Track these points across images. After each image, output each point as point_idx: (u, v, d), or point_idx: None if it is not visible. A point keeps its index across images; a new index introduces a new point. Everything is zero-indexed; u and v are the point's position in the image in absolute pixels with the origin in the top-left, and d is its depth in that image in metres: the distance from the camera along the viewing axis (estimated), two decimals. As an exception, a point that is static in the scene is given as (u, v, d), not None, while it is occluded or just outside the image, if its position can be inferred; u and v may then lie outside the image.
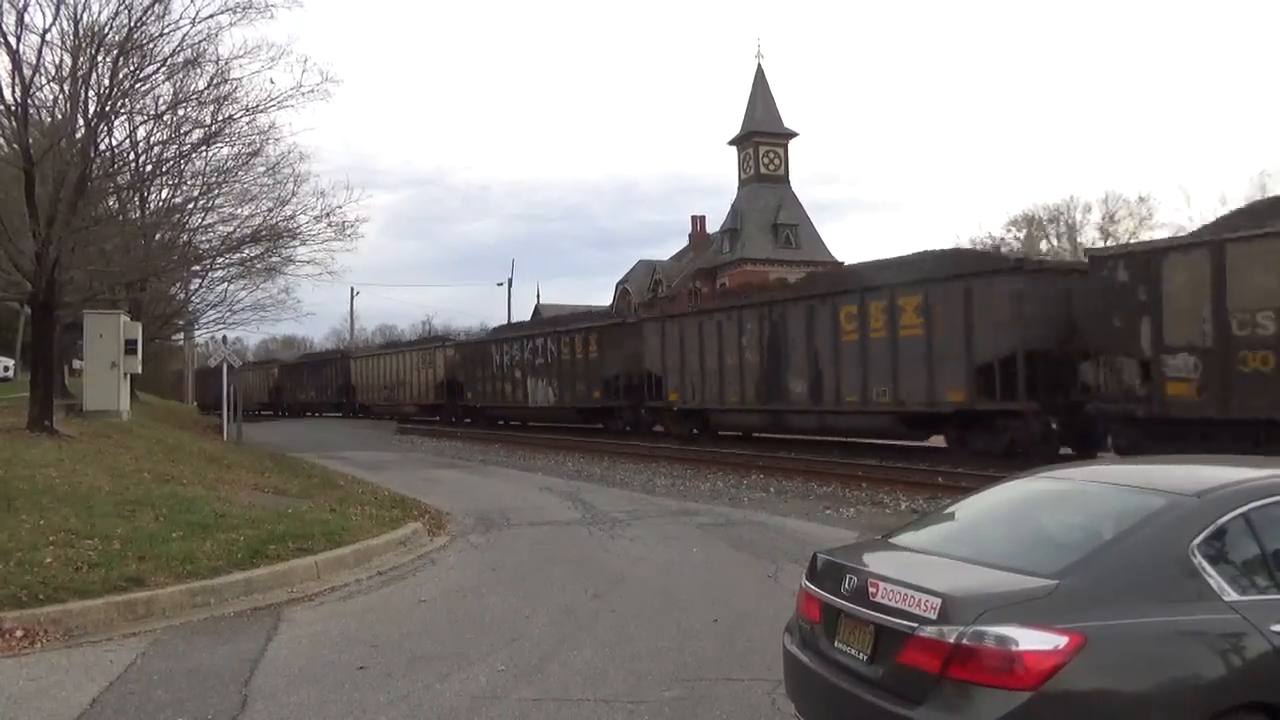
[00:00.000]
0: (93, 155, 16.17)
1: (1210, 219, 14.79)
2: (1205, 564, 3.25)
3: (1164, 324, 12.73)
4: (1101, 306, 13.58)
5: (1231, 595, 3.21)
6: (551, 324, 32.23)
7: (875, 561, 3.88)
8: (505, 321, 50.40)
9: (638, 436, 24.38)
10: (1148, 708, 3.02)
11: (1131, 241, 14.26)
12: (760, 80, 64.71)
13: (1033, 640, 3.00)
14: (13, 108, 14.93)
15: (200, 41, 16.27)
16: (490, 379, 32.34)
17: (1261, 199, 16.25)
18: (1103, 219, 55.55)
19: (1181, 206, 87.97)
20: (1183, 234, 12.89)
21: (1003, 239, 58.45)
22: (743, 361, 20.60)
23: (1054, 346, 14.70)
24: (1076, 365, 14.35)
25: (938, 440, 17.89)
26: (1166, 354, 12.77)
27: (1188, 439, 12.35)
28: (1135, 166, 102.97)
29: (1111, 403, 13.43)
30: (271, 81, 25.04)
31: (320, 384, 49.76)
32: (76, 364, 32.71)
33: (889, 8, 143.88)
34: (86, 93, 15.55)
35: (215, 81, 17.37)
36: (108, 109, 15.94)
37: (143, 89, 16.92)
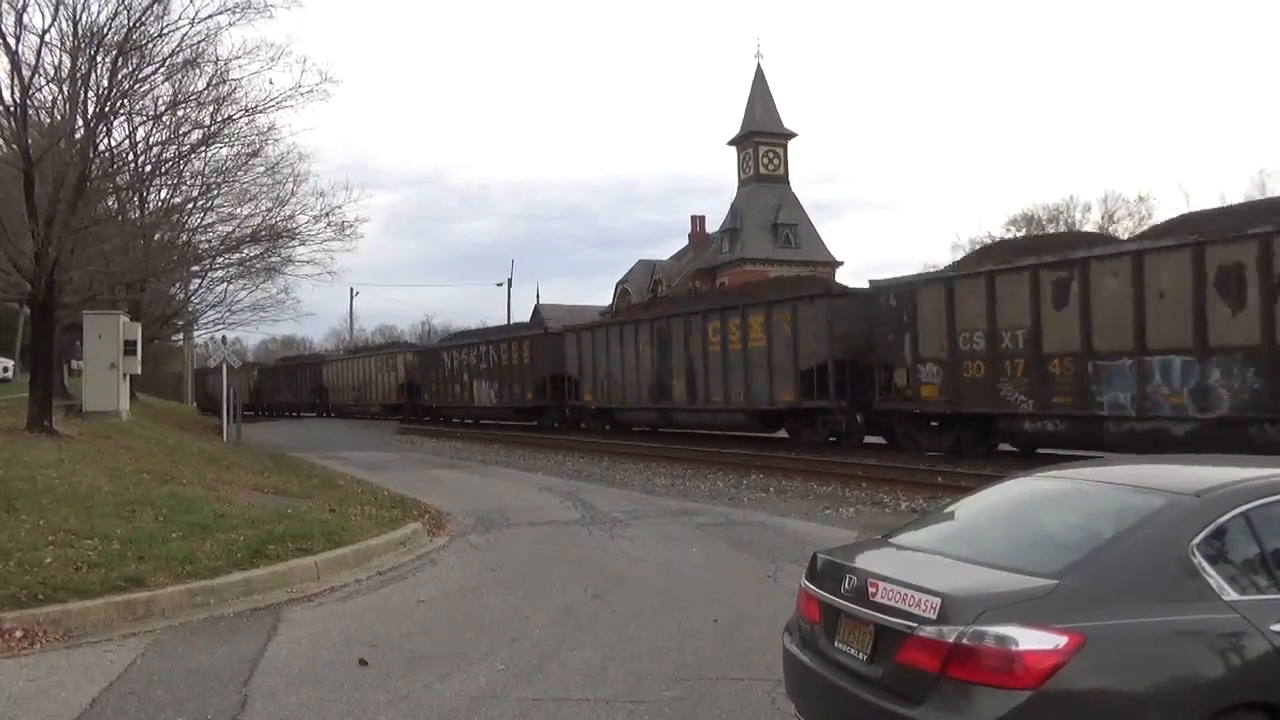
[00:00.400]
0: (92, 156, 16.16)
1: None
2: (1205, 563, 3.25)
3: (919, 341, 16.57)
4: (882, 326, 17.49)
5: (1231, 595, 3.21)
6: (492, 333, 36.14)
7: (875, 561, 3.88)
8: (505, 322, 52.55)
9: (577, 433, 27.63)
10: (1147, 707, 3.02)
11: (902, 275, 18.13)
12: (760, 80, 64.73)
13: (1032, 640, 3.00)
14: (12, 108, 14.93)
15: (199, 42, 16.29)
16: (443, 381, 35.80)
17: (1008, 239, 21.85)
18: (1102, 218, 55.58)
19: (1181, 206, 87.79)
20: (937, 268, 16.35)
21: (1002, 239, 58.49)
22: (639, 367, 24.38)
23: (858, 356, 18.22)
24: (873, 372, 17.81)
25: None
26: (920, 364, 16.64)
27: (941, 430, 16.74)
28: (1135, 166, 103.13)
29: (892, 401, 17.29)
30: (271, 82, 25.00)
31: (296, 386, 53.14)
32: (76, 364, 32.71)
33: (888, 8, 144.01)
34: (85, 93, 15.55)
35: (214, 82, 17.40)
36: (107, 109, 15.94)
37: (142, 89, 16.94)
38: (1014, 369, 14.94)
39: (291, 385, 53.72)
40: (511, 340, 31.50)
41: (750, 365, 20.39)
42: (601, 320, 29.84)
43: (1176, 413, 13.00)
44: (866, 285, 18.65)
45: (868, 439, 19.19)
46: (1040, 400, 14.60)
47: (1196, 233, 12.81)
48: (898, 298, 17.16)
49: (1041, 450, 15.76)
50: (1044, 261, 14.62)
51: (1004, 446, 16.56)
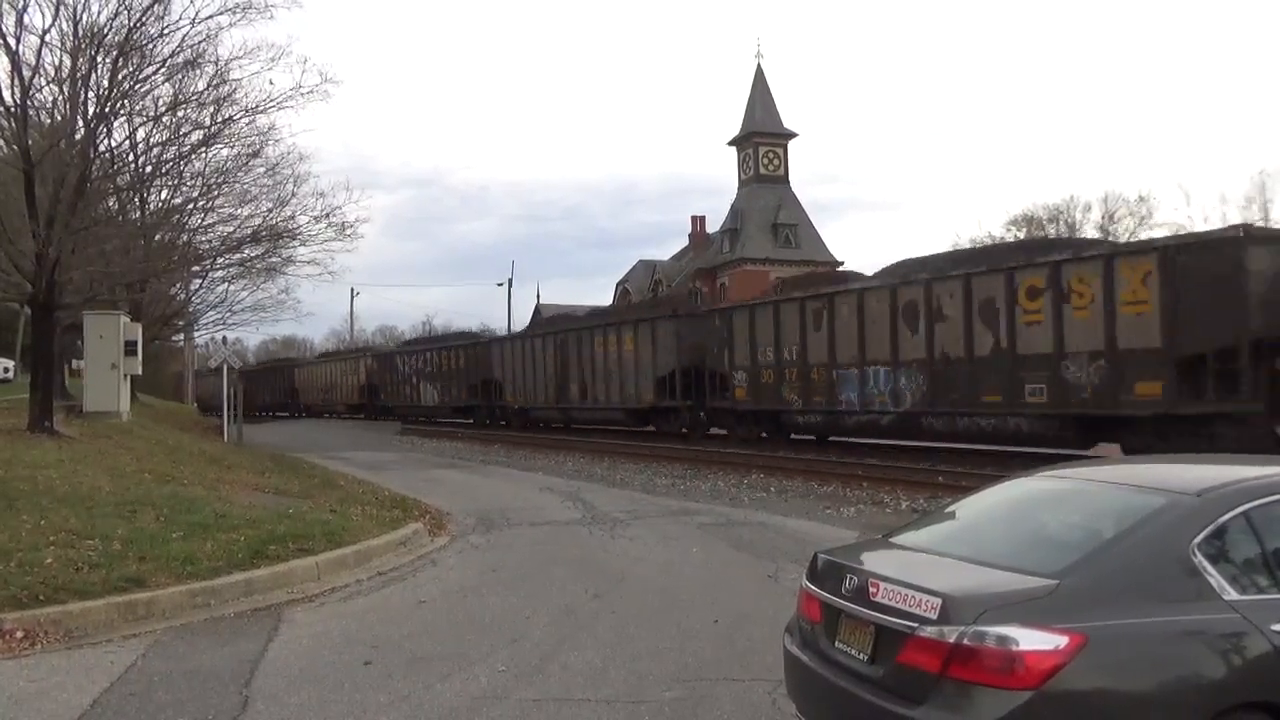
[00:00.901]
0: (92, 156, 16.17)
1: (1211, 218, 17.02)
2: (1206, 563, 3.25)
3: (734, 353, 21.17)
4: (712, 340, 22.12)
5: (1232, 594, 3.20)
6: (436, 341, 41.94)
7: (875, 561, 3.88)
8: (506, 323, 55.17)
9: (533, 429, 30.82)
10: (1148, 707, 3.02)
11: (735, 301, 24.96)
12: (760, 80, 64.75)
13: (1033, 640, 3.00)
14: (12, 109, 14.93)
15: (200, 42, 16.29)
16: (396, 384, 40.30)
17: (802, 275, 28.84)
18: (1102, 218, 55.54)
19: (1181, 206, 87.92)
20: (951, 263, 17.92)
21: (1002, 239, 58.46)
22: (545, 374, 29.05)
23: (698, 365, 22.61)
24: (708, 378, 22.42)
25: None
26: (734, 371, 21.25)
27: (746, 423, 21.51)
28: (1135, 166, 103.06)
29: (719, 401, 22.05)
30: (271, 83, 24.96)
31: (272, 387, 56.49)
32: (76, 364, 32.74)
33: (889, 8, 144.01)
34: (86, 94, 15.55)
35: (215, 82, 17.41)
36: (107, 110, 15.94)
37: (142, 90, 16.94)
38: (790, 376, 19.49)
39: (268, 387, 56.85)
40: (451, 348, 36.53)
41: (624, 372, 25.11)
42: (518, 334, 36.06)
43: (882, 408, 17.43)
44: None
45: (713, 430, 23.37)
46: (806, 399, 19.21)
47: (898, 277, 17.37)
48: (721, 319, 21.97)
49: (798, 437, 20.82)
50: (807, 295, 19.35)
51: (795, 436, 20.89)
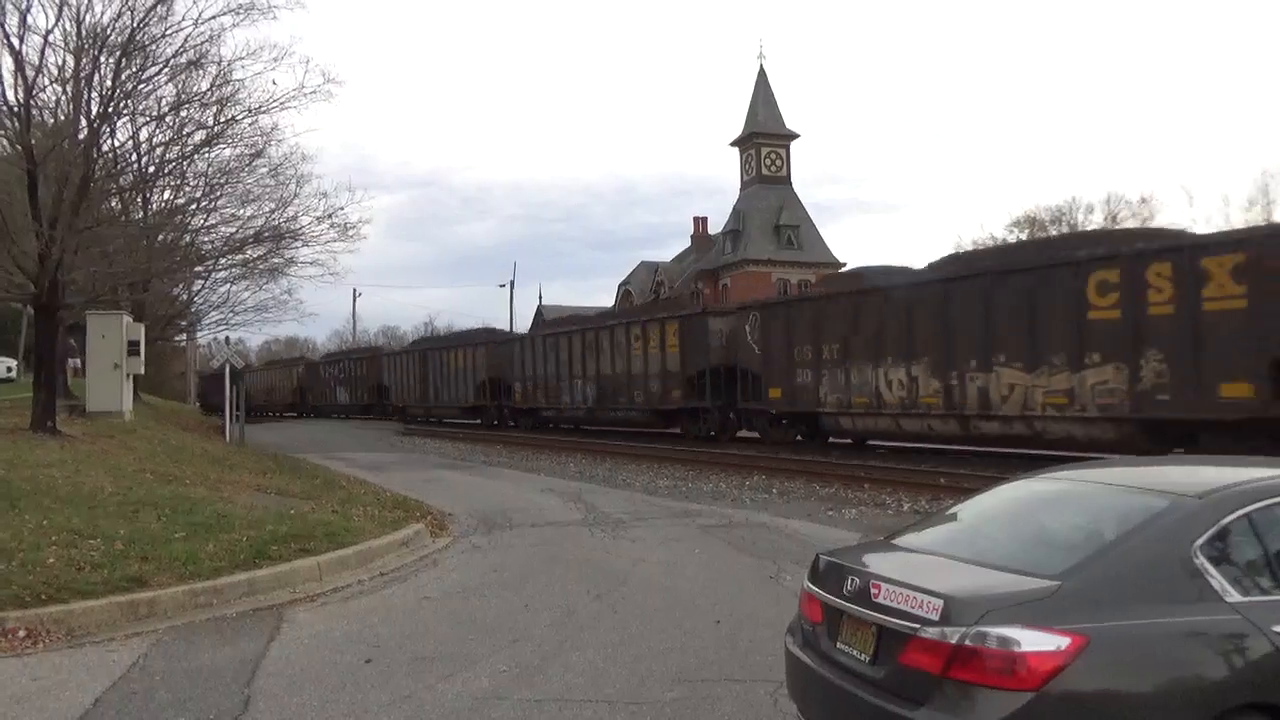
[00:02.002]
0: (95, 156, 16.20)
1: (1214, 220, 16.89)
2: (1208, 565, 3.25)
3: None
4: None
5: (1234, 596, 3.20)
6: (351, 353, 51.61)
7: (877, 562, 3.88)
8: (508, 323, 55.34)
9: (486, 428, 33.46)
10: (1150, 709, 3.01)
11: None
12: (762, 81, 64.75)
13: (1035, 641, 3.00)
14: (15, 108, 14.96)
15: (203, 43, 16.34)
16: (321, 386, 50.53)
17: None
18: (1105, 220, 55.46)
19: (1184, 207, 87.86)
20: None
21: (1004, 240, 58.42)
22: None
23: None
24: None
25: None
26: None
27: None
28: (1138, 167, 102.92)
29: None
30: (274, 83, 25.07)
31: (175, 391, 64.96)
32: (72, 363, 32.79)
33: (891, 9, 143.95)
34: (89, 94, 15.58)
35: (218, 83, 17.44)
36: (110, 110, 15.98)
37: (145, 90, 16.99)
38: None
39: (220, 390, 60.95)
40: (357, 359, 47.25)
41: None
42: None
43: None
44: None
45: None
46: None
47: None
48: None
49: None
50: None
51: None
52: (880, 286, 17.93)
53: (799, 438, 20.69)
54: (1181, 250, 13.03)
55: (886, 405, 17.46)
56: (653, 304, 48.08)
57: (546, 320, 52.88)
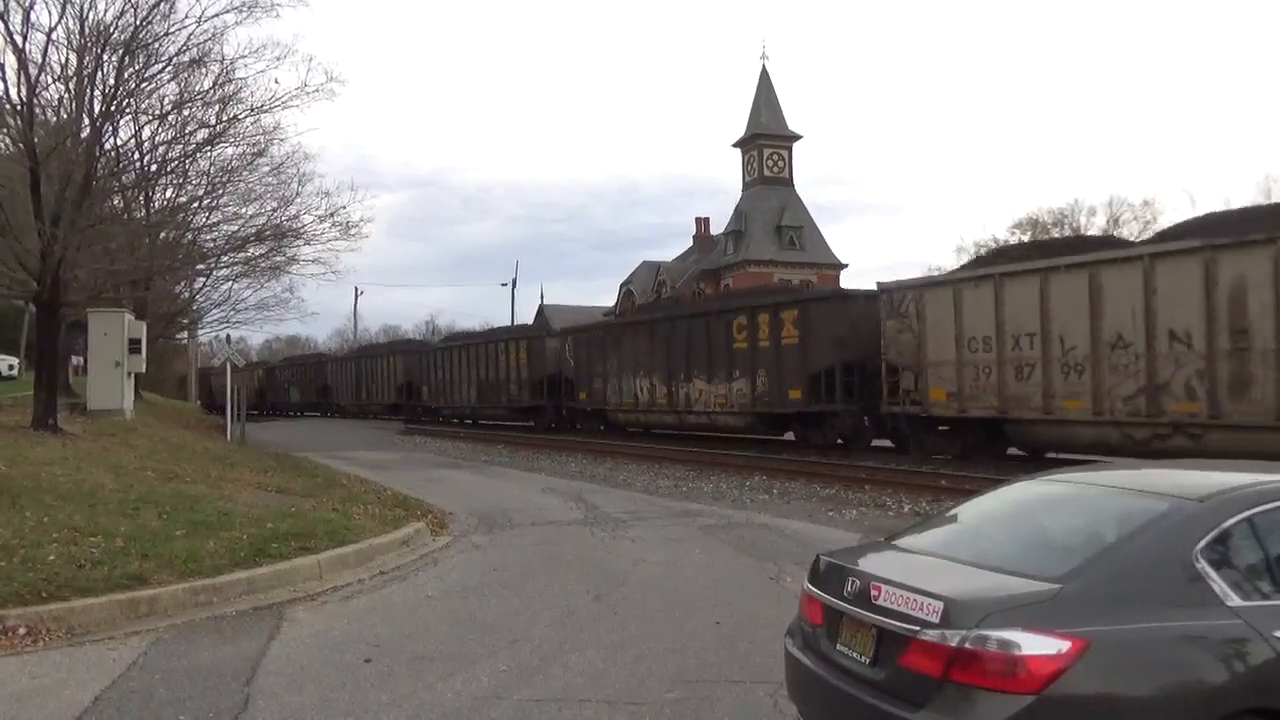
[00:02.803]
0: (98, 154, 16.22)
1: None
2: (1209, 569, 3.24)
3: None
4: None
5: (1235, 600, 3.19)
6: (301, 359, 59.81)
7: (878, 564, 3.88)
8: (509, 322, 56.47)
9: (404, 421, 38.15)
10: (1151, 713, 3.01)
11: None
12: (765, 82, 64.71)
13: (1035, 644, 2.99)
14: (18, 106, 14.99)
15: (206, 41, 16.37)
16: (279, 387, 57.54)
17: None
18: (1107, 222, 55.45)
19: (1186, 210, 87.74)
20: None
21: (1006, 242, 58.38)
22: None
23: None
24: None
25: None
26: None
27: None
28: (1140, 170, 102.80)
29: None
30: (276, 81, 25.08)
31: (202, 389, 65.70)
32: (79, 361, 32.83)
33: (894, 11, 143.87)
34: (92, 92, 15.61)
35: (220, 81, 17.47)
36: (113, 108, 16.00)
37: (148, 88, 17.02)
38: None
39: (204, 388, 64.72)
40: (308, 364, 54.41)
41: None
42: (347, 354, 45.92)
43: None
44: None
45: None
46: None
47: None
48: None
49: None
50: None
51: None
52: (631, 322, 25.87)
53: (601, 427, 27.64)
54: (770, 306, 20.82)
55: (640, 403, 25.32)
56: (519, 326, 49.76)
57: (449, 334, 53.11)
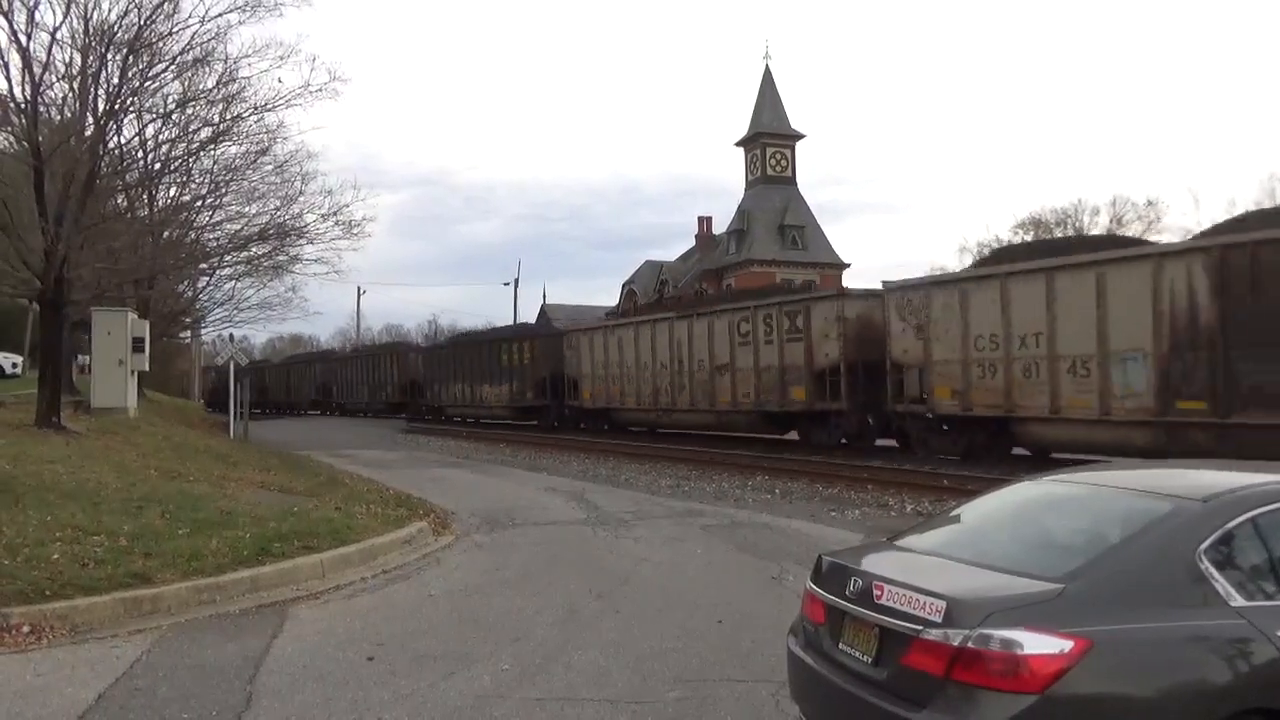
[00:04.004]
0: (101, 153, 16.24)
1: (1216, 222, 16.12)
2: (1212, 569, 3.24)
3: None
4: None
5: (1238, 601, 3.19)
6: (304, 357, 62.65)
7: (880, 564, 3.88)
8: (510, 321, 55.76)
9: (324, 417, 45.29)
10: (1153, 712, 3.01)
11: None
12: (768, 81, 64.69)
13: (1038, 644, 2.99)
14: (23, 105, 15.01)
15: (209, 40, 16.36)
16: (279, 386, 59.40)
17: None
18: (1110, 222, 55.35)
19: (1190, 210, 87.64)
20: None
21: (1009, 242, 58.34)
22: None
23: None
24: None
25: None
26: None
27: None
28: (1144, 170, 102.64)
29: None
30: (280, 80, 25.11)
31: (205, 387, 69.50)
32: (83, 359, 32.88)
33: (897, 10, 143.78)
34: (96, 91, 15.62)
35: (224, 80, 17.47)
36: (117, 107, 16.02)
37: (152, 87, 17.01)
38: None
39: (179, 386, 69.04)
40: (310, 362, 57.84)
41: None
42: (281, 362, 51.84)
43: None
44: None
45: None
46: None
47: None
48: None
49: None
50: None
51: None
52: (458, 343, 38.40)
53: (443, 419, 36.79)
54: (514, 340, 32.04)
55: (461, 402, 35.64)
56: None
57: (456, 334, 53.82)
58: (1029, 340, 15.11)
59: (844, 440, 19.51)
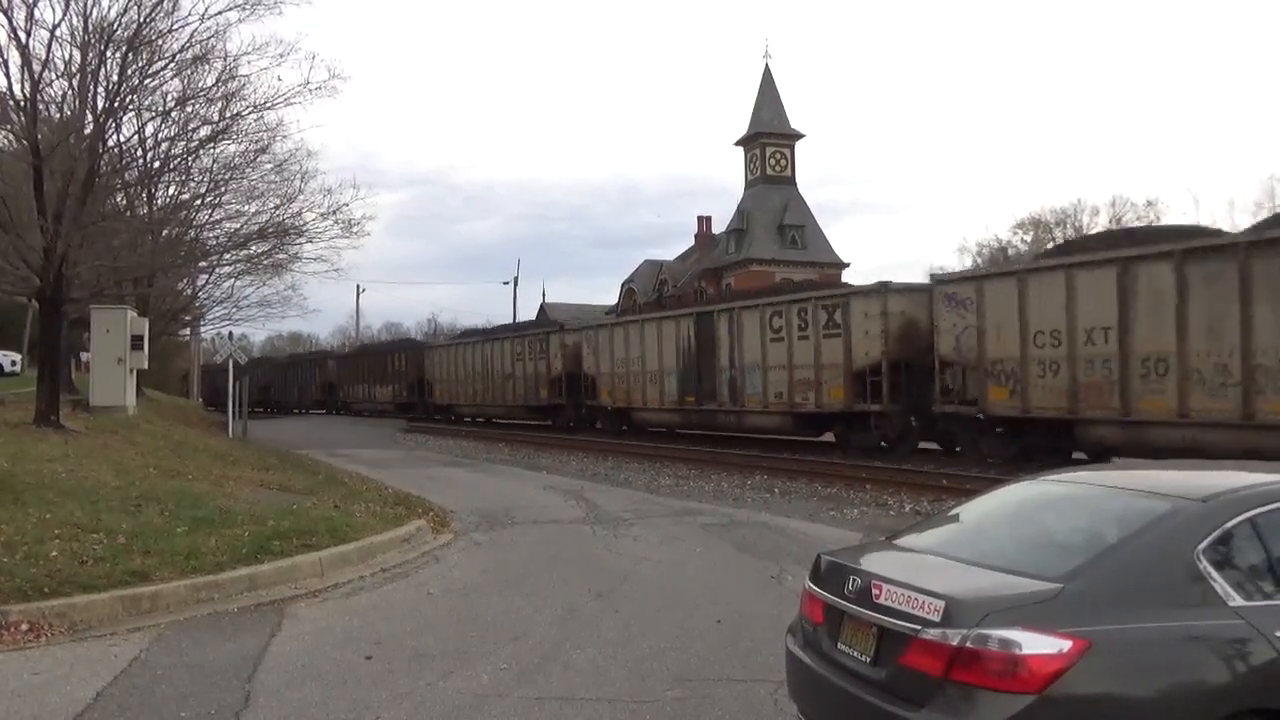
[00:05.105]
0: (101, 151, 16.21)
1: (1220, 223, 15.95)
2: (1211, 569, 3.24)
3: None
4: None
5: (1237, 600, 3.19)
6: (307, 355, 63.66)
7: (879, 563, 3.88)
8: (511, 319, 55.67)
9: (268, 418, 44.37)
10: (1152, 713, 3.01)
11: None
12: (768, 81, 64.67)
13: (1036, 644, 2.99)
14: (22, 103, 14.99)
15: (209, 38, 16.35)
16: (282, 384, 60.11)
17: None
18: (1110, 222, 55.39)
19: (1190, 210, 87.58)
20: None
21: (1009, 241, 58.43)
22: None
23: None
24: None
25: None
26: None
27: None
28: (1143, 169, 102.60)
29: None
30: (279, 79, 25.04)
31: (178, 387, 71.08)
32: (84, 356, 32.90)
33: (896, 10, 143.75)
34: (95, 89, 15.61)
35: (223, 78, 17.44)
36: (116, 105, 16.00)
37: (151, 85, 17.00)
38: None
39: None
40: (314, 360, 58.30)
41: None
42: (357, 349, 53.99)
43: None
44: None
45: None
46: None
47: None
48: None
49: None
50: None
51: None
52: (362, 352, 49.80)
53: (345, 413, 45.79)
54: (527, 336, 32.17)
55: (363, 399, 45.05)
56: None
57: (463, 331, 53.46)
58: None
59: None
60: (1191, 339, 13.11)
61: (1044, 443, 15.50)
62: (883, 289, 18.50)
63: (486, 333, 39.12)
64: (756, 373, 20.90)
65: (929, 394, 17.10)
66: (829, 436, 20.51)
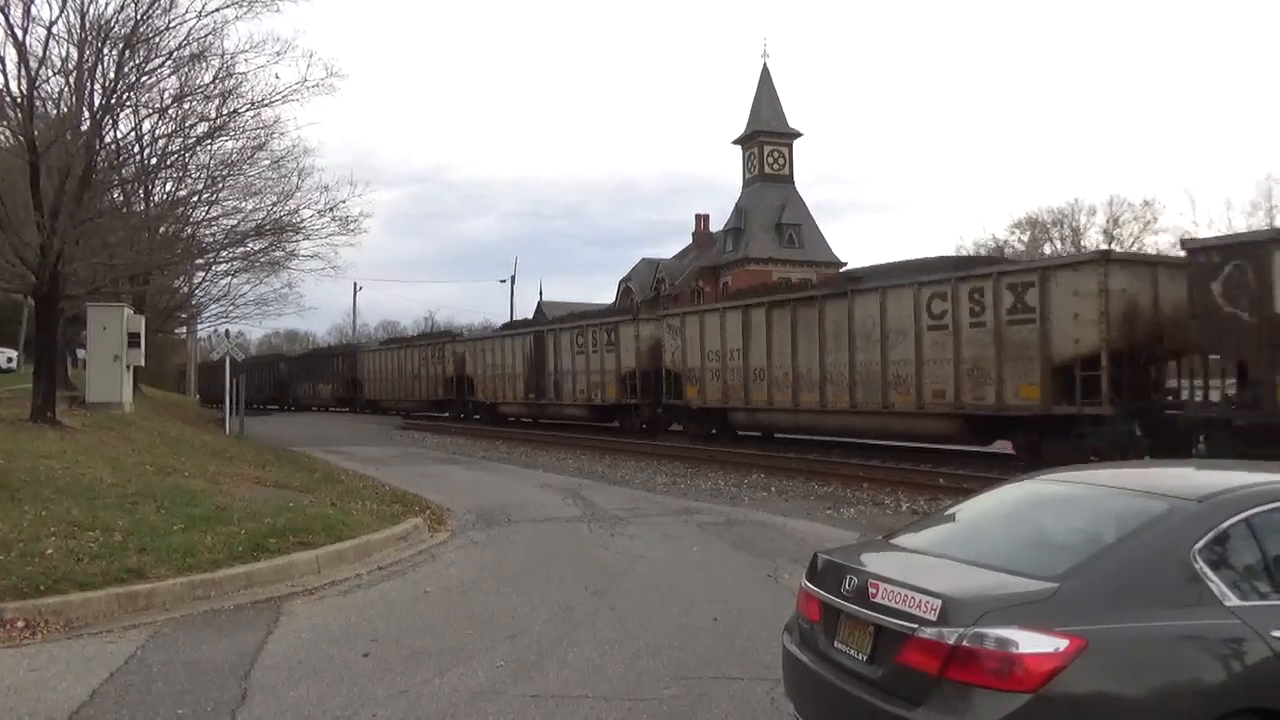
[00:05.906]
0: (98, 148, 16.18)
1: (1216, 223, 15.86)
2: (1207, 569, 3.24)
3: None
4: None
5: (1233, 600, 3.20)
6: (329, 350, 62.44)
7: (876, 562, 3.88)
8: (508, 318, 55.65)
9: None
10: (1148, 712, 3.01)
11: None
12: (766, 79, 64.66)
13: (1033, 643, 3.00)
14: (18, 99, 14.95)
15: (206, 35, 16.34)
16: (301, 380, 58.97)
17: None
18: (1107, 222, 55.53)
19: (1186, 211, 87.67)
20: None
21: (1006, 241, 58.48)
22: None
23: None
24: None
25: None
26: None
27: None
28: (1140, 170, 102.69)
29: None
30: (276, 76, 25.04)
31: (174, 383, 72.10)
32: (80, 354, 32.83)
33: (895, 10, 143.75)
34: (92, 85, 15.58)
35: (220, 75, 17.42)
36: (113, 102, 15.98)
37: (148, 82, 16.99)
38: None
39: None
40: (337, 355, 56.18)
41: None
42: (385, 343, 52.43)
43: None
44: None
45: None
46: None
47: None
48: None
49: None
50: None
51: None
52: (310, 355, 58.25)
53: (295, 409, 50.20)
54: (347, 352, 50.49)
55: (310, 396, 51.18)
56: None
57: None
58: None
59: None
60: (773, 357, 20.34)
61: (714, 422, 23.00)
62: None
63: (401, 341, 47.80)
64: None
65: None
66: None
